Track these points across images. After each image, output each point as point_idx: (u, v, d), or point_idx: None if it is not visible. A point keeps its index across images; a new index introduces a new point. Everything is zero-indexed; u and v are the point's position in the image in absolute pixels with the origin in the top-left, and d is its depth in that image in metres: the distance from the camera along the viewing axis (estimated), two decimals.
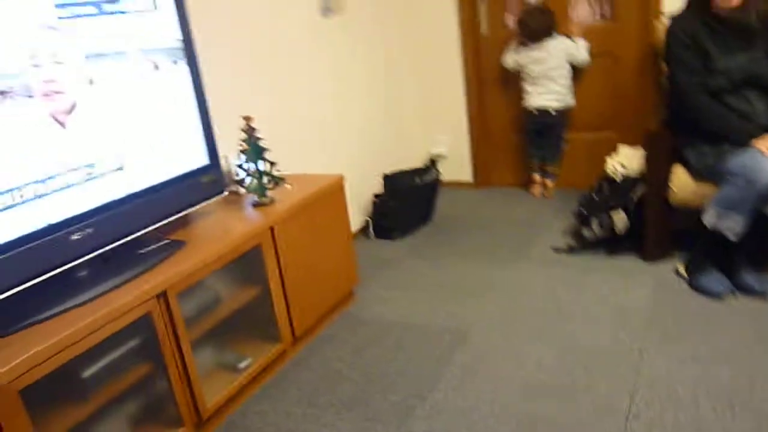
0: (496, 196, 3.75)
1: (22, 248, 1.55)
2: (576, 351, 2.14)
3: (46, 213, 1.62)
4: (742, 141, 2.27)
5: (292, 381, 2.19)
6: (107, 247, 1.77)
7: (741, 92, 2.35)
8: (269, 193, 2.27)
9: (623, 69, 3.36)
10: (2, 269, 1.51)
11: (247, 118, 2.18)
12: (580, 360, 2.09)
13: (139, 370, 1.76)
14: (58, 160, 1.64)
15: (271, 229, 2.13)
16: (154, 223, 1.91)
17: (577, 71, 3.43)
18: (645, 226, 2.63)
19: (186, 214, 2.07)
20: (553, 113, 3.43)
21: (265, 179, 2.24)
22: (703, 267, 2.42)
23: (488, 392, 1.99)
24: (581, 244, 2.87)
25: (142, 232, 1.87)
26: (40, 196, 1.60)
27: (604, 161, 2.86)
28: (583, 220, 2.84)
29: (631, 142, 2.93)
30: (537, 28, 3.28)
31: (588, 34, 3.35)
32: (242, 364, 2.09)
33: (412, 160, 3.74)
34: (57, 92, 1.63)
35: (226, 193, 2.19)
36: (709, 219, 2.31)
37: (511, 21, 3.51)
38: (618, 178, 2.75)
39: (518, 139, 3.72)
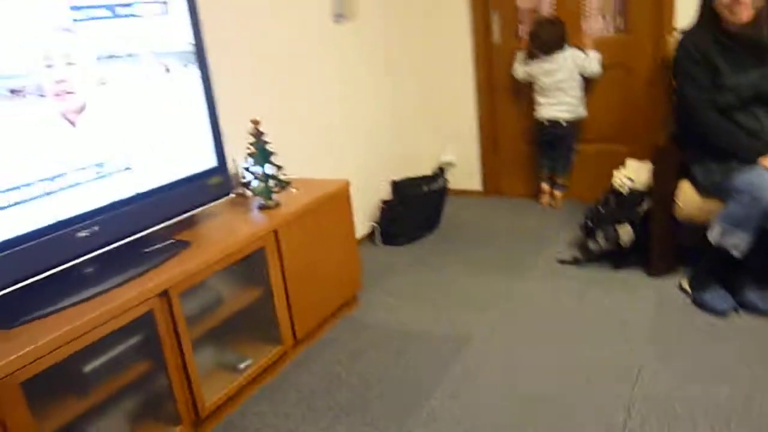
0: (504, 205, 3.76)
1: (30, 244, 1.59)
2: (575, 363, 2.14)
3: (54, 210, 1.66)
4: (750, 158, 2.26)
5: (291, 383, 2.21)
6: (113, 245, 1.80)
7: (750, 109, 2.34)
8: (275, 196, 2.30)
9: (635, 82, 3.36)
10: (9, 264, 1.55)
11: (255, 122, 2.22)
12: (579, 373, 2.09)
13: (139, 367, 1.79)
14: (67, 159, 1.68)
15: (275, 232, 2.15)
16: (159, 223, 1.94)
17: (588, 83, 3.43)
18: (650, 240, 2.63)
19: (192, 215, 2.10)
20: (564, 124, 3.43)
21: (271, 183, 2.27)
22: (707, 283, 2.41)
23: (485, 402, 2.00)
24: (586, 257, 2.87)
25: (148, 231, 1.91)
26: (48, 194, 1.64)
27: (612, 174, 2.86)
28: (589, 232, 2.84)
29: (641, 156, 2.92)
30: (548, 39, 3.29)
31: (601, 45, 3.35)
32: (242, 365, 2.11)
33: (420, 167, 3.76)
34: (68, 92, 1.67)
35: (232, 195, 2.22)
36: (714, 235, 2.30)
37: (523, 31, 3.52)
38: (625, 192, 2.75)
39: (528, 149, 3.72)
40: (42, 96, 1.60)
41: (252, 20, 2.59)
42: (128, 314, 1.69)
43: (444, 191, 3.50)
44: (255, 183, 2.26)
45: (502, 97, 3.72)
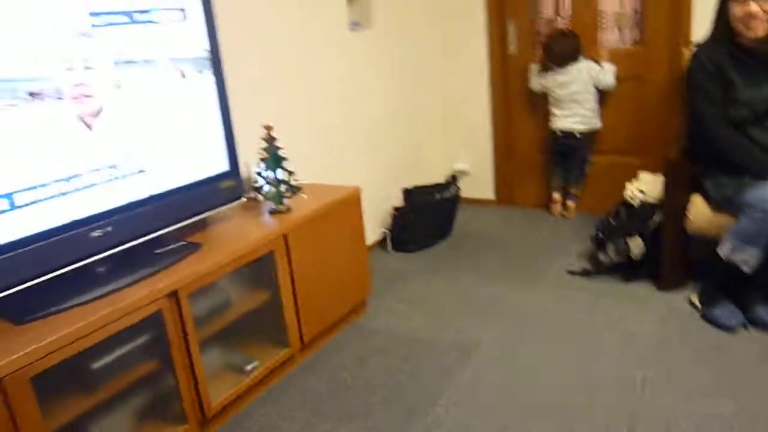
0: (516, 215, 3.76)
1: (45, 242, 1.64)
2: (579, 375, 2.14)
3: (69, 210, 1.70)
4: (763, 174, 2.25)
5: (297, 386, 2.23)
6: (125, 246, 1.84)
7: (764, 124, 2.33)
8: (286, 201, 2.33)
9: (650, 94, 3.35)
10: (24, 261, 1.59)
11: (268, 127, 2.25)
12: (582, 384, 2.09)
13: (147, 365, 1.83)
14: (82, 161, 1.72)
15: (285, 236, 2.18)
16: (171, 225, 1.98)
17: (603, 94, 3.43)
18: (661, 253, 2.62)
19: (204, 218, 2.14)
20: (578, 136, 3.43)
21: (282, 188, 2.30)
22: (716, 298, 2.40)
23: (488, 411, 2.00)
24: (596, 269, 2.86)
25: (160, 233, 1.95)
26: (64, 194, 1.68)
27: (625, 186, 2.85)
28: (600, 244, 2.84)
29: (654, 169, 2.91)
30: (561, 52, 3.30)
31: (616, 58, 3.35)
32: (249, 367, 2.14)
33: (433, 175, 3.77)
34: (86, 96, 1.72)
35: (244, 199, 2.26)
36: (724, 250, 2.29)
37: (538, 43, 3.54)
38: (635, 204, 2.74)
39: (543, 159, 3.72)
40: (60, 99, 1.64)
41: (268, 27, 2.63)
42: (138, 313, 1.72)
43: (456, 199, 3.51)
44: (266, 187, 2.30)
45: (517, 107, 3.73)
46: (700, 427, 1.84)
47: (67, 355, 1.55)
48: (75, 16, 1.66)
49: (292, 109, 2.79)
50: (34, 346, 1.48)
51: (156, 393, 1.91)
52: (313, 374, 2.29)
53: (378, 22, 3.27)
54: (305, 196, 2.35)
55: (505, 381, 2.15)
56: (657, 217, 2.65)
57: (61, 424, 1.60)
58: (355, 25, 3.15)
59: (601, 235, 2.83)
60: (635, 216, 2.73)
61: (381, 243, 3.43)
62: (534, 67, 3.51)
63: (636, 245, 2.68)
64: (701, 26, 2.71)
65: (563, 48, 3.30)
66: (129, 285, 1.78)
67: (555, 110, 3.47)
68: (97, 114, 1.75)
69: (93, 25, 1.70)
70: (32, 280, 1.61)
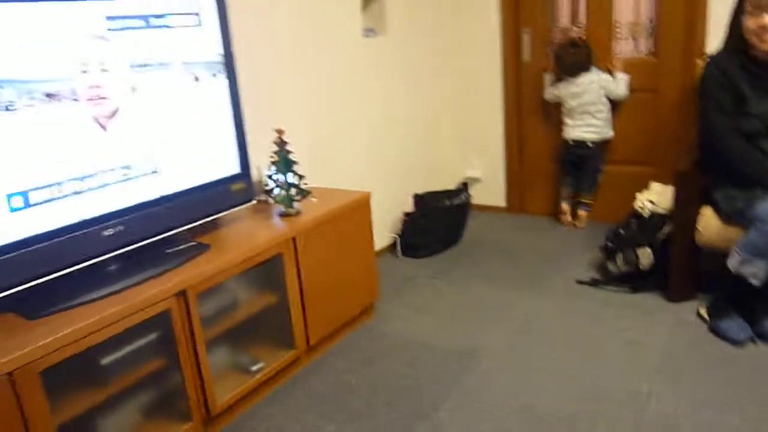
0: (527, 223, 3.76)
1: (58, 240, 1.68)
2: (583, 384, 2.14)
3: (82, 209, 1.74)
4: None
5: (302, 388, 2.25)
6: (136, 245, 1.88)
7: None
8: (296, 204, 2.36)
9: (664, 105, 3.34)
10: (37, 258, 1.63)
11: (279, 131, 2.28)
12: (586, 394, 2.09)
13: (154, 363, 1.86)
14: (97, 161, 1.76)
15: (293, 239, 2.21)
16: (182, 226, 2.02)
17: (617, 104, 3.43)
18: (670, 264, 2.61)
19: (214, 219, 2.17)
20: (590, 145, 3.44)
21: (293, 191, 2.33)
22: (725, 311, 2.38)
23: (491, 417, 2.01)
24: (605, 278, 2.86)
25: (171, 233, 1.98)
26: (77, 193, 1.73)
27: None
28: (609, 254, 2.83)
29: (667, 179, 2.90)
30: (572, 62, 3.31)
31: (630, 68, 3.35)
32: (255, 367, 2.17)
33: (445, 181, 3.79)
34: (101, 97, 1.76)
35: (254, 201, 2.29)
36: (733, 263, 2.28)
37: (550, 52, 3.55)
38: (646, 215, 2.73)
39: (555, 168, 3.72)
40: (76, 100, 1.68)
41: (281, 33, 2.67)
42: (146, 312, 1.76)
43: (467, 206, 3.52)
44: (277, 191, 2.33)
45: (530, 115, 3.73)
46: None
47: (76, 350, 1.59)
48: (92, 20, 1.71)
49: (304, 113, 2.82)
50: (45, 341, 1.52)
51: (162, 390, 1.94)
52: (319, 376, 2.32)
53: (392, 29, 3.30)
54: (315, 199, 2.38)
55: (510, 388, 2.15)
56: (667, 228, 2.65)
57: (69, 418, 1.63)
58: (368, 32, 3.18)
59: (610, 244, 2.83)
60: (645, 226, 2.73)
61: (391, 248, 3.45)
62: (548, 77, 3.52)
63: (645, 256, 2.68)
64: (716, 38, 2.71)
65: (574, 58, 3.31)
66: (139, 283, 1.81)
67: (567, 120, 3.47)
68: (111, 115, 1.79)
69: (109, 29, 1.75)
70: (45, 276, 1.65)
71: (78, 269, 1.73)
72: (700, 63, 2.71)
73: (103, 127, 1.77)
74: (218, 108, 2.10)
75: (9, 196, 1.57)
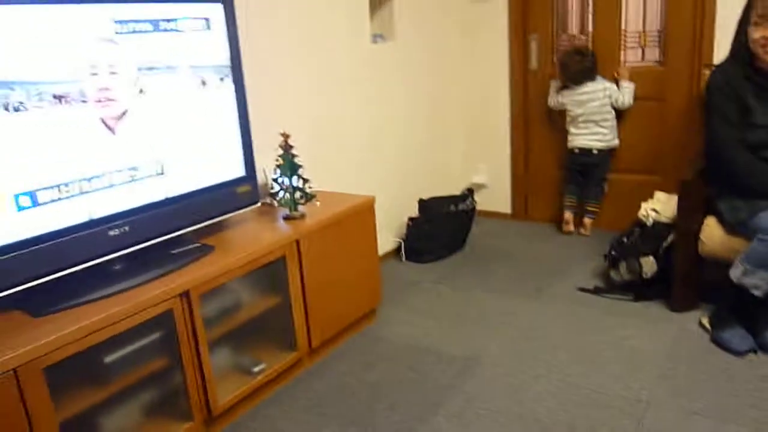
0: (532, 229, 3.76)
1: (64, 239, 1.71)
2: (581, 393, 2.14)
3: (89, 209, 1.77)
4: None
5: (303, 390, 2.27)
6: (141, 245, 1.91)
7: None
8: (301, 208, 2.38)
9: (670, 114, 3.34)
10: (44, 256, 1.66)
11: (284, 135, 2.30)
12: (584, 402, 2.09)
13: (157, 362, 1.88)
14: (104, 162, 1.79)
15: (297, 242, 2.23)
16: (187, 227, 2.05)
17: (623, 113, 3.43)
18: (673, 274, 2.61)
19: (219, 221, 2.20)
20: (595, 152, 3.44)
21: (297, 194, 2.35)
22: (727, 322, 2.38)
23: (490, 423, 2.02)
24: (608, 287, 2.86)
25: (176, 234, 2.01)
26: (84, 193, 1.75)
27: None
28: (612, 262, 2.84)
29: (672, 189, 2.90)
30: (577, 70, 3.32)
31: (637, 77, 3.35)
32: (257, 369, 2.18)
33: (452, 186, 3.80)
34: (110, 99, 1.79)
35: (259, 204, 2.31)
36: (736, 274, 2.28)
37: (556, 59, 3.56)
38: (649, 224, 2.73)
39: (561, 175, 3.72)
40: (84, 102, 1.71)
41: (289, 39, 2.69)
42: (150, 311, 1.78)
43: (472, 212, 3.53)
44: (282, 194, 2.35)
45: (537, 123, 3.74)
46: None
47: (79, 348, 1.61)
48: (101, 24, 1.74)
49: (310, 117, 2.84)
50: (49, 339, 1.54)
51: (164, 390, 1.96)
52: (320, 378, 2.33)
53: (400, 35, 3.32)
54: (319, 203, 2.40)
55: (509, 394, 2.16)
56: (670, 238, 2.65)
57: (71, 415, 1.66)
58: (377, 38, 3.20)
59: (614, 253, 2.83)
60: (648, 235, 2.73)
61: (395, 252, 3.47)
62: (553, 84, 3.53)
63: (648, 265, 2.68)
64: (723, 47, 2.71)
65: (579, 66, 3.32)
66: (143, 283, 1.84)
67: (572, 128, 3.48)
68: (119, 117, 1.82)
69: (118, 33, 1.78)
70: (51, 274, 1.68)
71: (83, 268, 1.76)
72: (706, 73, 2.71)
73: (111, 129, 1.80)
74: (225, 111, 2.13)
75: (17, 196, 1.60)
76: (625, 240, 2.80)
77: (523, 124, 3.77)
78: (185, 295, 1.87)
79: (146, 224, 1.92)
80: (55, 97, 1.64)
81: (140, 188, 1.90)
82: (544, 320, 2.66)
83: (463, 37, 3.77)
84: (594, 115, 3.36)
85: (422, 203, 3.43)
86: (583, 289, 2.89)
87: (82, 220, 1.75)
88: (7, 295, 1.60)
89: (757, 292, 2.23)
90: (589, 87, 3.34)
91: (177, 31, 1.93)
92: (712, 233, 2.45)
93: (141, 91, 1.86)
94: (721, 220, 2.43)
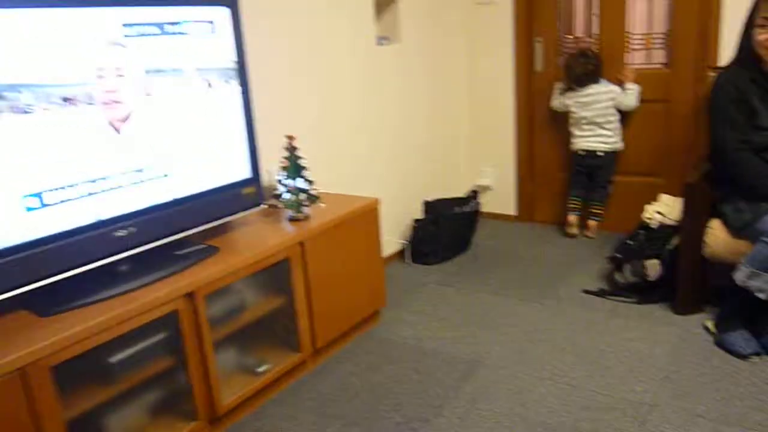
0: (537, 232, 3.77)
1: (71, 240, 1.73)
2: (584, 395, 2.14)
3: (96, 210, 1.79)
4: None
5: (307, 390, 2.28)
6: (147, 246, 1.92)
7: None
8: (305, 209, 2.39)
9: (676, 117, 3.34)
10: (51, 257, 1.68)
11: (289, 137, 2.32)
12: (586, 405, 2.09)
13: (162, 362, 1.90)
14: (110, 163, 1.81)
15: (301, 244, 2.24)
16: (192, 228, 2.06)
17: (629, 115, 3.43)
18: (678, 277, 2.60)
19: (224, 222, 2.21)
20: (601, 154, 3.44)
21: (302, 196, 2.36)
22: (731, 325, 2.38)
23: (490, 426, 2.02)
24: (613, 289, 2.86)
25: (181, 235, 2.02)
26: (91, 194, 1.77)
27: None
28: (617, 264, 2.84)
29: (677, 192, 2.90)
30: (581, 73, 3.32)
31: (642, 79, 3.35)
32: (261, 369, 2.20)
33: (457, 188, 3.81)
34: (116, 102, 1.81)
35: (264, 205, 2.33)
36: (740, 277, 2.27)
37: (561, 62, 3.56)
38: (654, 226, 2.73)
39: (566, 178, 3.72)
40: (91, 104, 1.73)
41: (294, 41, 2.71)
42: (155, 312, 1.80)
43: (476, 214, 3.54)
44: (286, 195, 2.36)
45: (542, 125, 3.74)
46: None
47: (86, 347, 1.63)
48: (109, 27, 1.76)
49: (315, 119, 2.86)
50: (56, 338, 1.57)
51: (169, 389, 1.98)
52: (324, 379, 2.34)
53: (405, 37, 3.33)
54: (323, 205, 2.41)
55: (511, 396, 2.17)
56: (675, 240, 2.65)
57: (78, 414, 1.68)
58: (382, 40, 3.22)
59: (618, 255, 2.83)
60: (653, 238, 2.73)
61: (400, 254, 3.48)
62: (557, 85, 3.53)
63: (653, 267, 2.68)
64: (729, 49, 2.70)
65: (583, 69, 3.32)
66: (148, 284, 1.85)
67: (575, 131, 3.48)
68: (126, 119, 1.84)
69: (125, 35, 1.80)
70: (58, 275, 1.70)
71: (90, 269, 1.78)
72: (712, 75, 2.71)
73: (117, 131, 1.82)
74: (230, 113, 2.15)
75: (24, 197, 1.62)
76: (629, 242, 2.80)
77: (528, 126, 3.77)
78: (190, 295, 1.89)
79: (152, 225, 1.94)
80: (63, 99, 1.66)
81: (146, 190, 1.92)
82: (549, 322, 2.66)
83: (468, 40, 3.78)
84: (597, 117, 3.37)
85: (427, 205, 3.44)
86: (587, 292, 2.89)
87: (88, 222, 1.77)
88: (15, 295, 1.62)
89: (761, 295, 2.23)
90: (592, 89, 3.35)
91: (183, 34, 1.95)
92: (716, 236, 2.45)
93: (147, 93, 1.88)
94: (726, 223, 2.43)
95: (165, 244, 1.98)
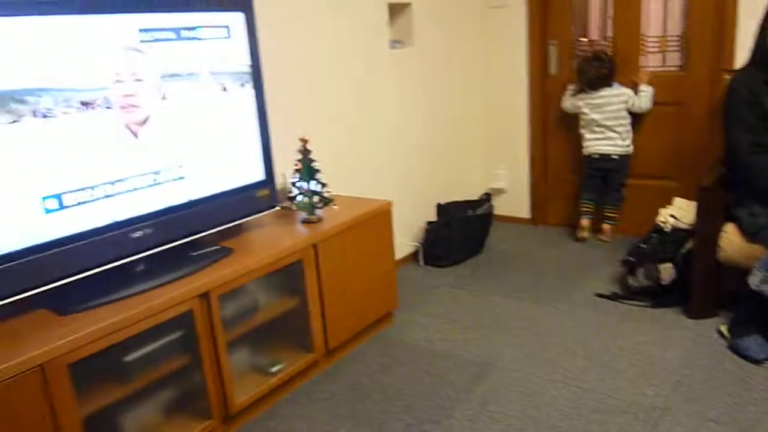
0: (550, 235, 3.76)
1: (89, 240, 1.77)
2: (595, 398, 2.14)
3: (113, 211, 1.83)
4: None
5: (319, 391, 2.31)
6: (163, 247, 1.96)
7: None
8: (318, 212, 2.41)
9: (691, 120, 3.32)
10: (69, 257, 1.72)
11: (303, 140, 2.35)
12: (598, 408, 2.09)
13: (176, 361, 1.93)
14: (127, 166, 1.85)
15: (314, 246, 2.27)
16: (208, 230, 2.10)
17: (644, 118, 3.42)
18: (691, 281, 2.59)
19: (239, 224, 2.25)
20: (616, 158, 3.43)
21: (315, 199, 2.39)
22: (745, 329, 2.36)
23: (501, 428, 2.03)
24: (626, 292, 2.85)
25: (196, 236, 2.06)
26: (108, 196, 1.81)
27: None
28: (630, 268, 2.83)
29: (692, 195, 2.88)
30: (594, 76, 3.32)
31: (657, 81, 3.33)
32: (274, 369, 2.23)
33: (471, 191, 3.82)
34: (134, 106, 1.85)
35: (277, 207, 2.36)
36: (754, 281, 2.25)
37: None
38: (667, 230, 2.72)
39: (579, 181, 3.72)
40: (109, 108, 1.77)
41: (308, 45, 2.74)
42: (170, 311, 1.83)
43: (490, 216, 3.54)
44: (300, 198, 2.39)
45: (556, 128, 3.74)
46: None
47: (103, 346, 1.67)
48: (126, 33, 1.79)
49: (328, 122, 2.88)
50: (74, 336, 1.60)
51: (183, 388, 2.01)
52: (336, 380, 2.37)
53: (419, 41, 3.35)
54: (336, 207, 2.44)
55: (522, 398, 2.17)
56: (689, 244, 2.63)
57: (94, 411, 1.71)
58: (395, 43, 3.24)
59: (631, 259, 2.82)
60: (667, 241, 2.72)
61: (413, 257, 3.49)
62: (569, 88, 3.52)
63: (666, 271, 2.67)
64: (745, 52, 2.68)
65: (597, 72, 3.31)
66: (164, 284, 1.89)
67: (586, 134, 3.48)
68: (143, 123, 1.88)
69: (142, 41, 1.83)
70: (76, 275, 1.74)
71: (107, 269, 1.82)
72: (727, 77, 2.70)
73: (135, 134, 1.86)
74: (245, 117, 2.18)
75: (44, 199, 1.66)
76: (643, 246, 2.79)
77: (542, 129, 3.77)
78: (205, 296, 1.92)
79: (168, 227, 1.97)
80: (82, 103, 1.70)
81: (162, 192, 1.96)
82: (561, 325, 2.66)
83: (481, 43, 3.79)
84: (608, 120, 3.36)
85: (440, 207, 3.45)
86: (600, 295, 2.89)
87: (106, 223, 1.81)
88: (35, 294, 1.66)
89: None
90: (605, 92, 3.34)
91: (199, 39, 1.99)
92: (730, 240, 2.43)
93: (164, 97, 1.92)
94: (740, 227, 2.41)
95: (180, 245, 2.02)
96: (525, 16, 3.61)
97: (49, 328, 1.65)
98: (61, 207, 1.70)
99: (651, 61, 3.40)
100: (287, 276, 2.26)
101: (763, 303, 2.27)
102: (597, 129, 3.41)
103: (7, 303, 1.61)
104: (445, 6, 3.50)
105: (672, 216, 2.74)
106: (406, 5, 3.26)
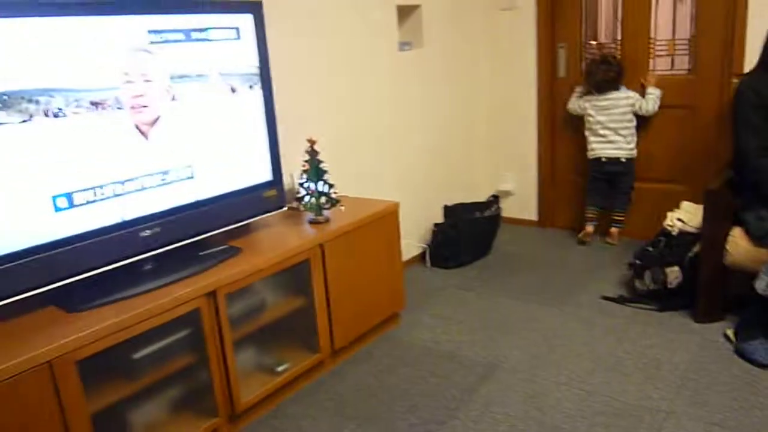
0: (557, 237, 3.76)
1: (98, 239, 1.79)
2: (600, 400, 2.14)
3: (122, 211, 1.85)
4: None
5: (325, 390, 2.32)
6: (171, 246, 1.98)
7: None
8: (326, 212, 2.43)
9: (699, 124, 3.31)
10: (79, 255, 1.74)
11: (311, 141, 2.36)
12: (604, 410, 2.09)
13: (183, 359, 1.95)
14: (137, 166, 1.87)
15: (321, 246, 2.28)
16: (216, 229, 2.12)
17: (651, 122, 3.41)
18: (698, 284, 2.59)
19: (246, 224, 2.27)
20: (623, 161, 3.42)
21: (322, 199, 2.40)
22: (752, 334, 2.35)
23: (504, 429, 2.04)
24: (632, 296, 2.85)
25: (204, 236, 2.08)
26: (118, 195, 1.83)
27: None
28: (637, 271, 2.82)
29: (700, 199, 2.88)
30: (602, 79, 3.32)
31: (666, 85, 3.33)
32: (280, 368, 2.24)
33: (478, 193, 3.82)
34: (143, 106, 1.87)
35: (285, 208, 2.37)
36: (761, 285, 2.25)
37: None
38: (675, 233, 2.72)
39: (585, 186, 3.71)
40: (120, 108, 1.80)
41: (318, 46, 2.76)
42: (177, 310, 1.85)
43: (497, 219, 3.55)
44: (307, 198, 2.41)
45: (564, 131, 3.74)
46: None
47: (110, 343, 1.69)
48: (136, 34, 1.82)
49: (337, 124, 2.90)
50: (82, 333, 1.62)
51: (190, 386, 2.03)
52: (341, 380, 2.38)
53: (428, 43, 3.36)
54: (343, 208, 2.45)
55: (527, 400, 2.18)
56: (696, 248, 2.63)
57: (102, 407, 1.73)
58: (405, 45, 3.25)
59: (638, 262, 2.82)
60: (674, 245, 2.71)
61: (421, 258, 3.50)
62: (576, 89, 3.52)
63: (673, 274, 2.66)
64: (754, 55, 2.68)
65: (604, 76, 3.31)
66: (172, 283, 1.91)
67: (591, 137, 3.48)
68: (152, 123, 1.90)
69: (151, 42, 1.85)
70: (85, 273, 1.76)
71: (115, 267, 1.84)
72: (736, 81, 2.69)
73: (144, 134, 1.88)
74: (253, 118, 2.20)
75: (54, 197, 1.68)
76: (650, 249, 2.79)
77: (550, 132, 3.77)
78: (212, 294, 1.94)
79: (176, 226, 1.99)
80: (92, 103, 1.72)
81: (171, 191, 1.98)
82: (567, 328, 2.66)
83: (490, 45, 3.79)
84: (613, 123, 3.36)
85: (447, 209, 3.46)
86: (607, 298, 2.89)
87: (115, 222, 1.84)
88: (44, 292, 1.69)
89: None
90: (612, 95, 3.34)
91: (208, 40, 2.01)
92: (738, 244, 2.43)
93: (173, 98, 1.94)
94: (748, 231, 2.41)
95: (188, 245, 2.04)
96: (534, 18, 3.61)
97: (58, 325, 1.67)
98: (71, 206, 1.73)
99: (659, 65, 3.39)
100: (294, 276, 2.27)
101: None
102: (601, 132, 3.41)
103: (16, 300, 1.64)
104: (455, 8, 3.51)
105: (679, 219, 2.74)
106: (416, 7, 3.27)
